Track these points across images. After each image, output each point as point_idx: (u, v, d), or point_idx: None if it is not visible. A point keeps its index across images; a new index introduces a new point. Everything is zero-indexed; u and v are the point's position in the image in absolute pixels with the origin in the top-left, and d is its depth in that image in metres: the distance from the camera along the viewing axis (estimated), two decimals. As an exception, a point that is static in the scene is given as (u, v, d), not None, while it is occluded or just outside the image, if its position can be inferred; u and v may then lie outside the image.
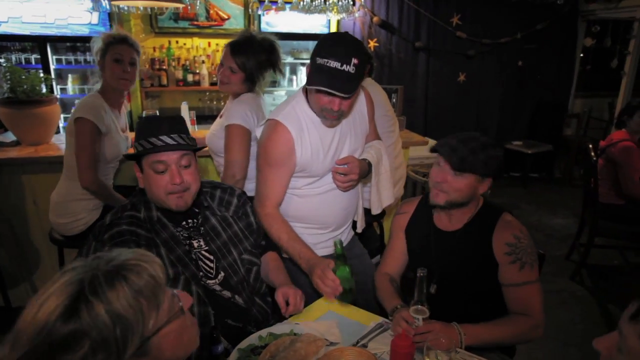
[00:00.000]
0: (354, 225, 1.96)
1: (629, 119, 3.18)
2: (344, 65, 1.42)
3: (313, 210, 1.73)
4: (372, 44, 4.97)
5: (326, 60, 1.42)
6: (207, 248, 1.48)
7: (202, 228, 1.49)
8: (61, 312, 0.70)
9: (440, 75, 5.32)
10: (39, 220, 2.66)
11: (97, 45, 2.17)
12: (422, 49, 5.15)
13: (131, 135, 2.87)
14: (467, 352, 1.36)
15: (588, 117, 6.09)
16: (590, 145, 3.27)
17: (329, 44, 1.46)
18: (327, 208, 1.73)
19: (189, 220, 1.48)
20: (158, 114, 2.67)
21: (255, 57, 2.01)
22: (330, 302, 1.55)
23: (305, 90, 1.63)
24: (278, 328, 1.43)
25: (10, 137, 2.74)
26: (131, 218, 1.39)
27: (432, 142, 3.77)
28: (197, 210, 1.50)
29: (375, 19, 4.89)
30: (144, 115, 2.70)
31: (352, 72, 1.43)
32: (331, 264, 1.46)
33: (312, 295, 1.62)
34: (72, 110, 2.13)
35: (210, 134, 2.20)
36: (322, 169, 1.66)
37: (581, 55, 5.85)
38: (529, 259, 1.46)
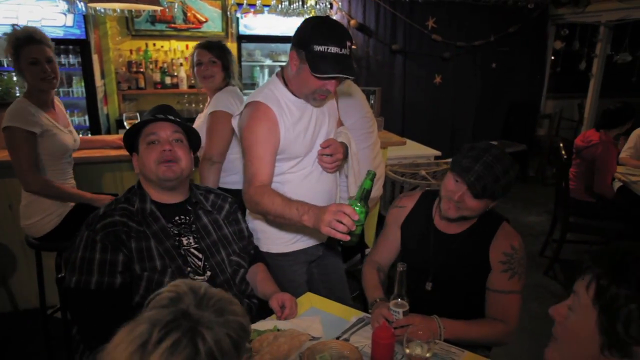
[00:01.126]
0: None
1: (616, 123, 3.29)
2: (343, 49, 1.48)
3: (298, 194, 1.72)
4: (349, 46, 5.02)
5: (325, 47, 1.46)
6: (196, 246, 1.52)
7: (194, 225, 1.53)
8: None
9: (416, 77, 5.41)
10: (14, 225, 2.60)
11: (3, 44, 2.10)
12: (399, 52, 5.24)
13: (112, 137, 2.84)
14: (445, 343, 1.40)
15: (559, 117, 6.28)
16: (561, 144, 3.40)
17: (325, 31, 1.49)
18: (310, 191, 1.74)
19: (182, 217, 1.52)
20: (138, 117, 2.66)
21: (224, 49, 2.31)
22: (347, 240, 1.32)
23: (281, 76, 1.67)
24: (262, 324, 1.45)
25: (-18, 140, 2.68)
26: (124, 210, 1.44)
27: (411, 143, 3.85)
28: (189, 208, 1.55)
29: (352, 22, 4.95)
30: (124, 117, 2.68)
31: (348, 54, 1.50)
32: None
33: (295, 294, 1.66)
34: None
35: (195, 127, 2.23)
36: (303, 149, 1.69)
37: (552, 57, 6.04)
38: (519, 269, 1.50)
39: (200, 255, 1.52)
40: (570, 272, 3.61)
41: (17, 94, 2.59)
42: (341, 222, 1.24)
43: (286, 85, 1.65)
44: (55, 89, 2.24)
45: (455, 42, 5.36)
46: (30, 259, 2.60)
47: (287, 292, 1.59)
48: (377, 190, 2.64)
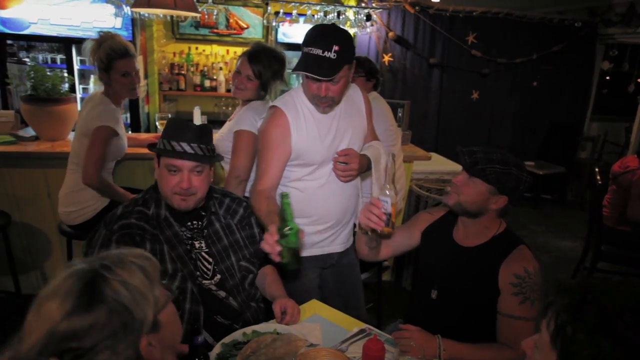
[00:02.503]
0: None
1: None
2: (325, 52, 1.52)
3: (314, 203, 1.78)
4: (386, 58, 5.04)
5: (310, 48, 1.55)
6: (207, 250, 1.55)
7: (206, 231, 1.56)
8: (76, 301, 0.72)
9: (453, 92, 5.35)
10: (52, 212, 2.78)
11: (89, 47, 2.27)
12: (436, 66, 5.20)
13: (145, 136, 2.99)
14: None
15: (603, 140, 6.03)
16: (597, 169, 3.28)
17: (313, 34, 1.58)
18: (327, 200, 1.78)
19: (194, 222, 1.55)
20: (170, 117, 2.77)
21: (270, 66, 2.13)
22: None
23: (303, 84, 1.72)
24: (262, 327, 1.49)
25: (30, 132, 2.87)
26: (140, 214, 1.49)
27: (437, 157, 3.82)
28: (203, 214, 1.57)
29: (390, 34, 4.96)
30: (156, 117, 2.81)
31: (333, 57, 1.52)
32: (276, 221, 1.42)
33: (304, 294, 1.69)
34: (88, 114, 2.25)
35: (218, 136, 2.29)
36: (318, 157, 1.72)
37: (598, 78, 5.82)
38: (532, 295, 1.44)
39: (210, 260, 1.56)
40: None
41: (62, 91, 2.75)
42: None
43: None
44: None
45: (496, 58, 5.27)
46: (63, 246, 2.75)
47: (296, 295, 1.62)
48: (398, 203, 2.64)
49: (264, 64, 2.12)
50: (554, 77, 5.51)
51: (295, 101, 1.70)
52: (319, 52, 1.53)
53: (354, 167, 1.73)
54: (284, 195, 1.35)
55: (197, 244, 1.55)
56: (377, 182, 1.87)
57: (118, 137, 2.26)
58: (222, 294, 1.56)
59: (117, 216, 1.48)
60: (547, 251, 4.31)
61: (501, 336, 1.48)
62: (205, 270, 1.54)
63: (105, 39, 2.26)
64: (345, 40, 1.58)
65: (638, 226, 3.15)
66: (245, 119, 2.07)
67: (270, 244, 1.34)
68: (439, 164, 3.60)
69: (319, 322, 1.57)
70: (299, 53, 1.63)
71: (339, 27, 1.63)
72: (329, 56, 1.52)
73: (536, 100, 5.57)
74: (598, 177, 3.20)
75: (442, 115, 5.41)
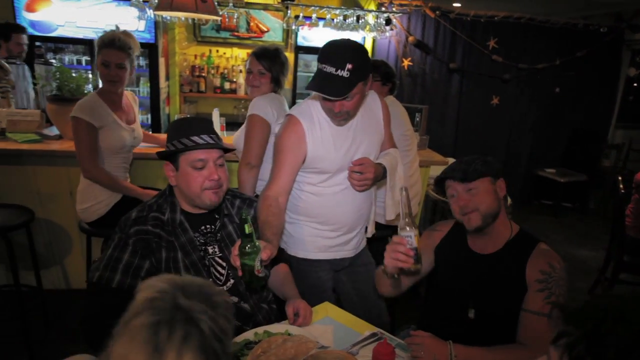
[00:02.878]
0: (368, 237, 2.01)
1: None
2: (339, 70, 1.51)
3: (328, 208, 1.79)
4: (406, 62, 5.03)
5: (323, 65, 1.54)
6: (220, 255, 1.55)
7: (219, 234, 1.56)
8: None
9: (473, 97, 5.30)
10: (73, 209, 2.84)
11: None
12: (456, 70, 5.16)
13: (165, 136, 3.03)
14: None
15: (628, 148, 5.89)
16: (620, 177, 3.20)
17: (327, 50, 1.56)
18: (342, 207, 1.79)
19: (208, 226, 1.55)
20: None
21: (277, 60, 2.29)
22: None
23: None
24: (274, 327, 1.50)
25: (54, 131, 2.95)
26: (155, 220, 1.48)
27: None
28: (217, 216, 1.57)
29: (410, 38, 4.95)
30: (176, 117, 2.85)
31: (347, 76, 1.51)
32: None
33: (317, 299, 1.69)
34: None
35: (237, 135, 2.34)
36: (333, 166, 1.72)
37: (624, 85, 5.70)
38: (557, 291, 1.41)
39: (223, 264, 1.56)
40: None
41: (86, 92, 2.82)
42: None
43: None
44: (122, 90, 2.44)
45: (517, 63, 5.20)
46: (83, 243, 2.81)
47: (309, 296, 1.62)
48: (413, 208, 2.63)
49: (271, 59, 2.26)
50: (577, 83, 5.41)
51: (311, 110, 1.71)
52: (332, 70, 1.51)
53: (369, 176, 1.72)
54: (244, 219, 1.31)
55: (210, 250, 1.54)
56: (392, 190, 1.87)
57: (105, 129, 2.29)
58: (235, 298, 1.56)
59: (132, 220, 1.47)
60: (567, 260, 4.20)
61: (521, 334, 1.44)
62: (219, 275, 1.54)
63: (107, 32, 2.34)
64: (360, 56, 1.55)
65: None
66: (257, 105, 2.14)
67: (233, 257, 1.35)
68: (456, 170, 3.56)
69: (331, 324, 1.58)
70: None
71: (354, 43, 1.60)
72: (342, 74, 1.51)
73: (558, 106, 5.48)
74: (621, 186, 3.13)
75: (461, 121, 5.36)
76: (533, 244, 1.49)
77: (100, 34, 2.38)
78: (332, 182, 1.76)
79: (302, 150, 1.68)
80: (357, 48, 1.58)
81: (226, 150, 1.53)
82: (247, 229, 1.31)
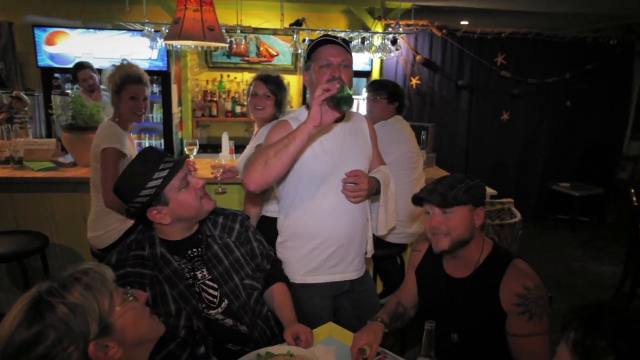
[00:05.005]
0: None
1: None
2: (336, 40, 1.71)
3: (321, 223, 1.76)
4: (414, 81, 5.07)
5: (319, 41, 1.72)
6: (210, 277, 1.55)
7: (205, 256, 1.56)
8: (21, 319, 0.87)
9: (482, 113, 5.29)
10: (86, 235, 2.91)
11: (107, 75, 2.42)
12: (465, 87, 5.18)
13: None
14: None
15: (645, 160, 5.79)
16: (633, 190, 3.15)
17: (318, 42, 1.73)
18: (334, 220, 1.76)
19: (194, 250, 1.55)
20: (197, 143, 2.90)
21: (280, 85, 2.42)
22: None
23: (306, 105, 1.77)
24: (277, 348, 1.50)
25: (69, 158, 3.06)
26: (135, 258, 1.46)
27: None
28: (200, 237, 1.58)
29: (418, 57, 5.00)
30: (184, 143, 2.92)
31: (343, 43, 1.70)
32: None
33: (314, 322, 1.68)
34: (95, 140, 2.37)
35: (242, 158, 2.38)
36: (321, 168, 1.72)
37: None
38: (538, 310, 1.39)
39: (214, 286, 1.55)
40: None
41: (99, 119, 2.92)
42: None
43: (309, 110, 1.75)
44: None
45: (526, 78, 5.19)
46: (96, 267, 2.87)
47: (307, 323, 1.59)
48: (418, 227, 2.62)
49: (276, 84, 2.40)
50: (588, 96, 5.36)
51: (298, 117, 1.73)
52: (329, 40, 1.70)
53: (364, 187, 1.71)
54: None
55: (199, 275, 1.53)
56: (384, 205, 1.87)
57: (126, 158, 2.34)
58: (230, 321, 1.55)
59: (112, 265, 1.43)
60: (583, 276, 4.13)
61: (517, 356, 1.43)
62: (211, 299, 1.54)
63: (123, 66, 2.43)
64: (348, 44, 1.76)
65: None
66: (266, 133, 2.14)
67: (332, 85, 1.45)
68: (466, 186, 3.55)
69: (334, 344, 1.57)
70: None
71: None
72: (339, 42, 1.70)
73: (570, 120, 5.42)
74: (634, 199, 3.07)
75: (472, 137, 5.35)
76: (506, 263, 1.46)
77: (113, 67, 2.47)
78: (322, 193, 1.73)
79: None
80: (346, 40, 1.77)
81: (179, 160, 1.52)
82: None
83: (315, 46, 1.72)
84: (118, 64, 2.45)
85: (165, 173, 1.45)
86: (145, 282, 1.44)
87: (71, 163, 2.99)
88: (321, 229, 1.77)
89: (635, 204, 3.06)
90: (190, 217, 1.52)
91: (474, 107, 5.27)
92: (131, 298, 1.02)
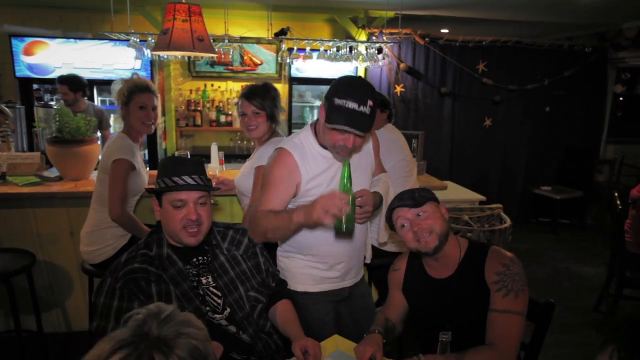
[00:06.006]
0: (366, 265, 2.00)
1: None
2: (361, 107, 1.52)
3: (324, 242, 1.77)
4: (398, 89, 5.12)
5: (344, 101, 1.52)
6: (214, 284, 1.56)
7: (211, 265, 1.58)
8: None
9: (466, 119, 5.39)
10: (74, 251, 2.83)
11: (117, 87, 2.38)
12: (448, 94, 5.26)
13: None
14: None
15: (621, 163, 5.96)
16: (616, 193, 3.24)
17: (346, 86, 1.57)
18: (338, 243, 1.78)
19: (199, 258, 1.57)
20: (189, 155, 2.84)
21: (267, 96, 2.25)
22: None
23: (313, 126, 1.74)
24: (285, 363, 1.49)
25: (54, 172, 2.96)
26: (143, 256, 1.50)
27: (452, 186, 3.82)
28: (206, 248, 1.59)
29: (402, 65, 5.06)
30: (175, 154, 2.87)
31: (368, 113, 1.54)
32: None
33: (318, 328, 1.68)
34: (105, 151, 2.32)
35: (240, 175, 2.34)
36: (327, 191, 1.67)
37: (612, 101, 5.81)
38: (514, 286, 1.44)
39: (219, 294, 1.56)
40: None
41: (86, 131, 2.85)
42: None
43: (317, 135, 1.71)
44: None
45: (507, 85, 5.31)
46: (84, 284, 2.79)
47: (313, 330, 1.60)
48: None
49: (262, 96, 2.23)
50: (566, 101, 5.52)
51: (304, 144, 1.71)
52: (354, 106, 1.51)
53: (369, 209, 1.71)
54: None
55: (204, 280, 1.55)
56: (384, 215, 1.87)
57: (136, 171, 2.32)
58: (233, 329, 1.56)
59: (122, 263, 1.49)
60: (569, 278, 4.22)
61: (489, 334, 1.46)
62: (215, 305, 1.55)
63: (130, 79, 2.40)
64: (375, 94, 1.60)
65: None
66: (263, 155, 2.10)
67: (341, 199, 1.43)
68: (454, 193, 3.59)
69: (342, 357, 1.56)
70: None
71: (367, 82, 1.66)
72: (364, 111, 1.53)
73: (550, 125, 5.57)
74: (618, 202, 3.16)
75: (455, 144, 5.43)
76: (485, 252, 1.55)
77: (121, 79, 2.44)
78: None
79: (294, 182, 1.67)
80: (372, 86, 1.63)
81: (210, 189, 1.55)
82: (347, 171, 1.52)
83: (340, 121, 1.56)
84: (119, 77, 2.42)
85: (175, 182, 1.48)
86: (151, 279, 1.47)
87: (57, 177, 2.90)
88: (325, 248, 1.78)
89: (620, 207, 3.14)
90: (170, 234, 1.53)
91: (457, 114, 5.36)
92: None
